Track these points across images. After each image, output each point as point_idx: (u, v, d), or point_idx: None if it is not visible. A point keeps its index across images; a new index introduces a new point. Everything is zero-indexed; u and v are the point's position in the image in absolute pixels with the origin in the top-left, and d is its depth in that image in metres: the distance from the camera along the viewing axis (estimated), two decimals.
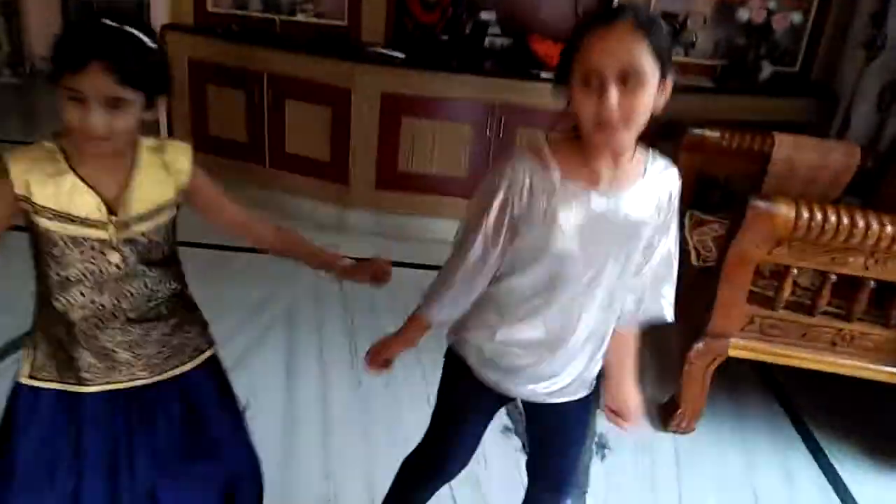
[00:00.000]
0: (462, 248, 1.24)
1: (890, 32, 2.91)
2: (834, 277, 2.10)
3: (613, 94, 1.05)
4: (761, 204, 2.02)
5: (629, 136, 1.10)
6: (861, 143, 2.91)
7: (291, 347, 2.62)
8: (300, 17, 3.57)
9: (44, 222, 1.21)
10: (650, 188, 1.19)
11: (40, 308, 1.32)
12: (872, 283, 2.09)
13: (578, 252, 1.17)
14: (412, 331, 1.36)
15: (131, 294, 1.29)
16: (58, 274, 1.24)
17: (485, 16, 3.74)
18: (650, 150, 1.22)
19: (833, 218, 2.00)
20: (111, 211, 1.23)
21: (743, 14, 3.31)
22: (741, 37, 3.48)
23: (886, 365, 2.19)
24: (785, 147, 2.72)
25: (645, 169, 1.19)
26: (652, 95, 1.08)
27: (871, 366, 2.20)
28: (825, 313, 2.18)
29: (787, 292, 2.15)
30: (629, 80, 1.05)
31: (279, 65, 3.34)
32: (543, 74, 3.29)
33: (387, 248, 2.90)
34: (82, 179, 1.21)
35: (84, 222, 1.22)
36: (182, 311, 1.40)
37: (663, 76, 1.08)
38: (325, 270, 1.50)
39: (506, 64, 3.44)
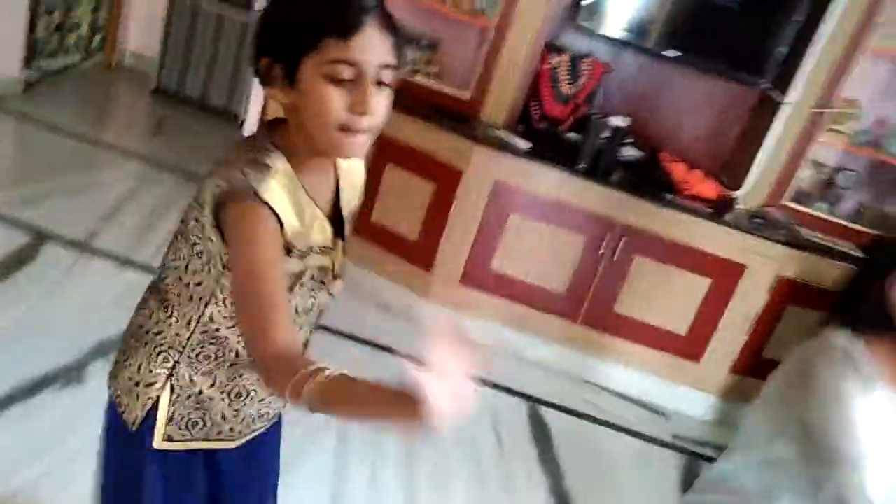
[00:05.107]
0: None
1: None
2: None
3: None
4: None
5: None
6: None
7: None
8: (419, 79, 3.24)
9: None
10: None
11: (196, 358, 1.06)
12: None
13: None
14: None
15: (310, 328, 1.14)
16: None
17: (615, 121, 3.39)
18: None
19: None
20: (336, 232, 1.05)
21: None
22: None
23: None
24: None
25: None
26: None
27: None
28: None
29: None
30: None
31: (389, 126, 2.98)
32: (671, 198, 2.94)
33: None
34: (310, 196, 1.01)
35: (316, 252, 1.03)
36: None
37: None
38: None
39: (636, 179, 3.06)
